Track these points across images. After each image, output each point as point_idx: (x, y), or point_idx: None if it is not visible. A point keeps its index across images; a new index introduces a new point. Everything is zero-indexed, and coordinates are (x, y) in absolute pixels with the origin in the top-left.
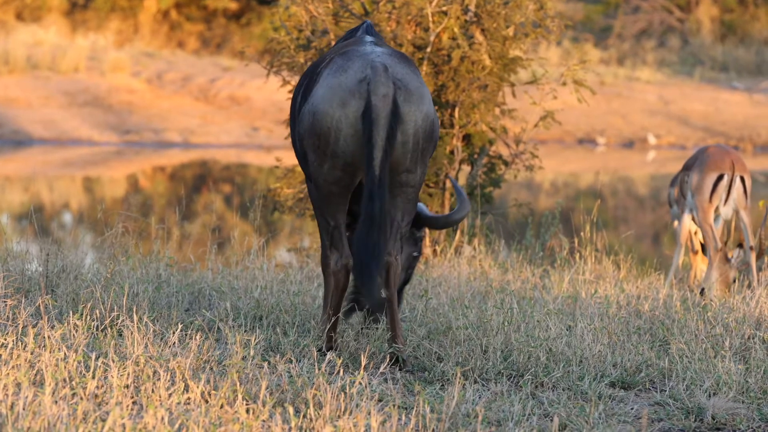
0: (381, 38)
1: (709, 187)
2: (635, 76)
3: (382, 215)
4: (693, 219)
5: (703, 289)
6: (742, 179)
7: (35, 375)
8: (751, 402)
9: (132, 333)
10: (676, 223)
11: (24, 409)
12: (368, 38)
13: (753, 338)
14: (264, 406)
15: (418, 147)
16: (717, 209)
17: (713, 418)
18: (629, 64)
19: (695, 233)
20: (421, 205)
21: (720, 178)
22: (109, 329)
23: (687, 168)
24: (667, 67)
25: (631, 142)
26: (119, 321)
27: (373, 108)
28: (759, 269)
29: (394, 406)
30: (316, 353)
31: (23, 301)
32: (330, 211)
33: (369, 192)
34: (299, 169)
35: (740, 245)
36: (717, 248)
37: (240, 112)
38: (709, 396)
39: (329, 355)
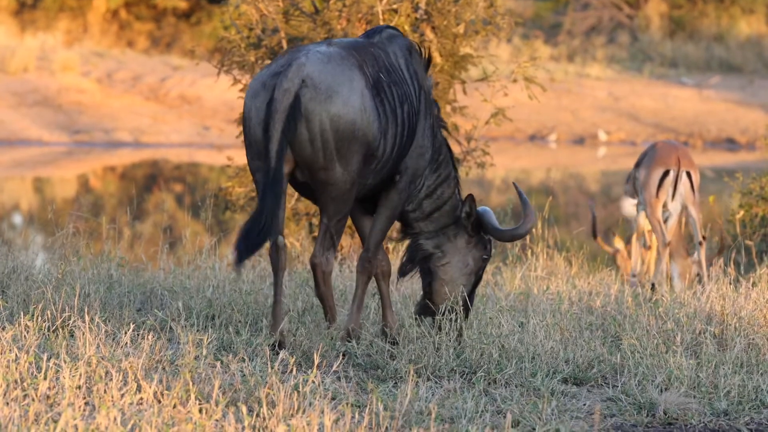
0: (390, 39)
1: (656, 183)
2: (585, 72)
3: (274, 207)
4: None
5: (653, 285)
6: (689, 174)
7: None
8: (702, 397)
9: (84, 333)
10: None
11: None
12: (339, 40)
13: (704, 333)
14: (217, 405)
15: (330, 146)
16: (665, 205)
17: (665, 413)
18: (579, 60)
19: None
20: (489, 213)
21: (666, 173)
22: (60, 330)
23: (637, 165)
24: (616, 64)
25: (582, 138)
26: (71, 321)
27: (273, 101)
28: (710, 264)
29: (347, 404)
30: (269, 352)
31: None
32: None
33: (263, 183)
34: None
35: (701, 240)
36: (665, 243)
37: (191, 111)
38: (661, 391)
39: (282, 354)
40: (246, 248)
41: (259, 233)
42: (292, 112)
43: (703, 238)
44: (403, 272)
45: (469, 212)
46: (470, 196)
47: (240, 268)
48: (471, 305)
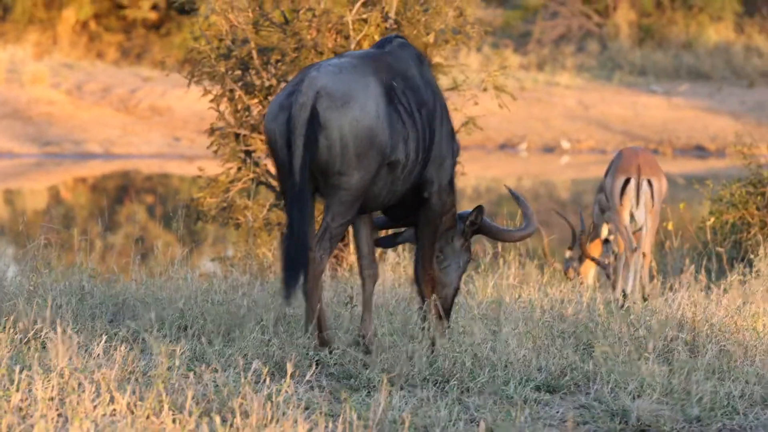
0: (402, 47)
1: (618, 191)
2: (555, 81)
3: (302, 222)
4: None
5: (624, 292)
6: (650, 182)
7: None
8: (674, 403)
9: (56, 345)
10: (605, 231)
11: None
12: (351, 52)
13: (675, 340)
14: (190, 416)
15: (349, 151)
16: (632, 214)
17: (638, 420)
18: (549, 69)
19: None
20: (487, 219)
21: (627, 181)
22: (32, 341)
23: (606, 173)
24: (586, 72)
25: (552, 147)
26: (43, 333)
27: (292, 117)
28: (681, 271)
29: (320, 413)
30: (242, 362)
31: None
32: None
33: (290, 199)
34: (222, 178)
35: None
36: (632, 249)
37: (161, 122)
38: (634, 398)
39: (255, 364)
40: (293, 275)
41: (296, 252)
42: (311, 125)
43: (642, 251)
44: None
45: (474, 221)
46: (480, 207)
47: (291, 300)
48: (451, 308)
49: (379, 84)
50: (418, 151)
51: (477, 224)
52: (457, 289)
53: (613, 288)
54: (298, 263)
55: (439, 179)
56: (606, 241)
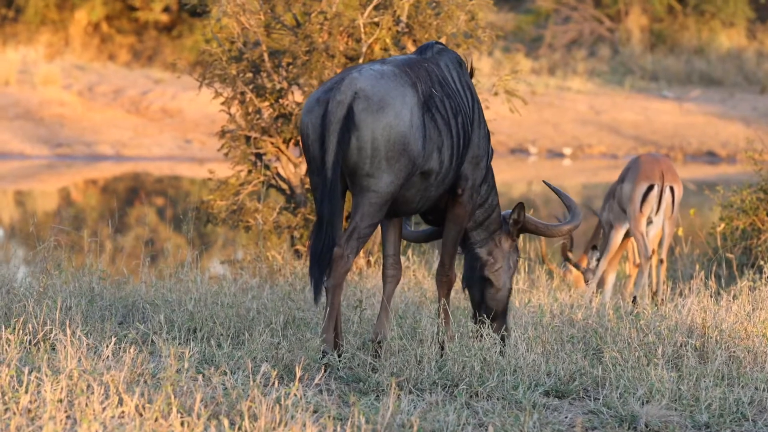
0: (441, 53)
1: (639, 198)
2: (566, 85)
3: (332, 217)
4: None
5: (635, 297)
6: (672, 189)
7: None
8: (683, 409)
9: (65, 347)
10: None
11: None
12: (393, 58)
13: (685, 346)
14: (199, 418)
15: (379, 154)
16: (650, 219)
17: (647, 426)
18: (560, 73)
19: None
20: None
21: (650, 188)
22: (42, 343)
23: (621, 179)
24: (597, 77)
25: (563, 152)
26: (52, 335)
27: (327, 113)
28: (691, 276)
29: (329, 417)
30: (251, 365)
31: None
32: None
33: (320, 194)
34: (232, 180)
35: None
36: (648, 256)
37: (172, 124)
38: (643, 404)
39: (264, 367)
40: (320, 271)
41: (323, 248)
42: (346, 123)
43: (660, 261)
44: (468, 284)
45: (517, 219)
46: (521, 204)
47: (321, 297)
48: (506, 311)
49: (416, 94)
50: (453, 158)
51: (520, 222)
52: (510, 290)
53: (589, 292)
54: (326, 260)
55: (474, 177)
56: (593, 248)
